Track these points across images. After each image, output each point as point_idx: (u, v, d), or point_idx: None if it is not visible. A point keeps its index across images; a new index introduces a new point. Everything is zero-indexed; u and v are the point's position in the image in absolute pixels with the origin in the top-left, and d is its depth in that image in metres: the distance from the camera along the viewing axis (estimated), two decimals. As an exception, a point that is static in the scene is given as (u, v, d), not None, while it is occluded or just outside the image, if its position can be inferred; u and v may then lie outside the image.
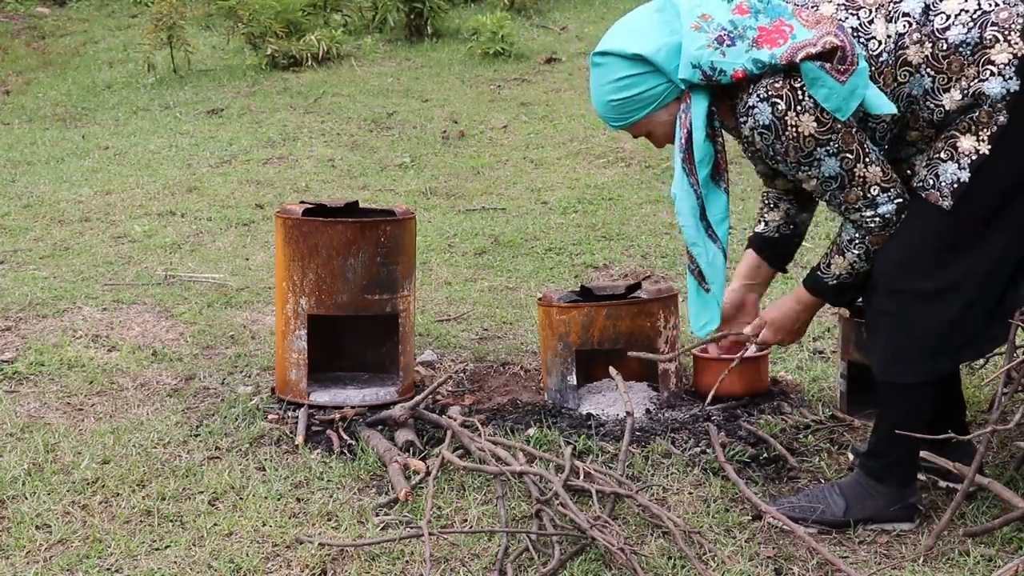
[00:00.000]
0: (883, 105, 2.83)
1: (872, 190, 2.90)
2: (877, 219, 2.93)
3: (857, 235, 2.96)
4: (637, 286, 3.98)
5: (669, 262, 5.51)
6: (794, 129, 2.83)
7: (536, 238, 6.02)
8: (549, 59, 10.41)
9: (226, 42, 11.40)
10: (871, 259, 2.99)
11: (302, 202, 4.01)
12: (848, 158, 2.87)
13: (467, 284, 5.37)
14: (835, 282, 3.05)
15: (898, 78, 2.87)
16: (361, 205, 4.05)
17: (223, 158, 7.91)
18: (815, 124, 2.82)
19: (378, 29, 11.55)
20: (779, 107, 2.82)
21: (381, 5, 11.41)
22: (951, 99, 2.84)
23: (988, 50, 2.80)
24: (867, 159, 2.88)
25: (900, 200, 2.92)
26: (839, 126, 2.83)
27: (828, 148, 2.85)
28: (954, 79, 2.84)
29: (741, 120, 2.89)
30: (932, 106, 2.87)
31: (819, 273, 3.08)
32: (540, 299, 4.03)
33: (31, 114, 9.85)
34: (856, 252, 2.98)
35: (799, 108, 2.81)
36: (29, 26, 13.10)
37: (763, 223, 3.32)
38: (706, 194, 3.00)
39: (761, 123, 2.85)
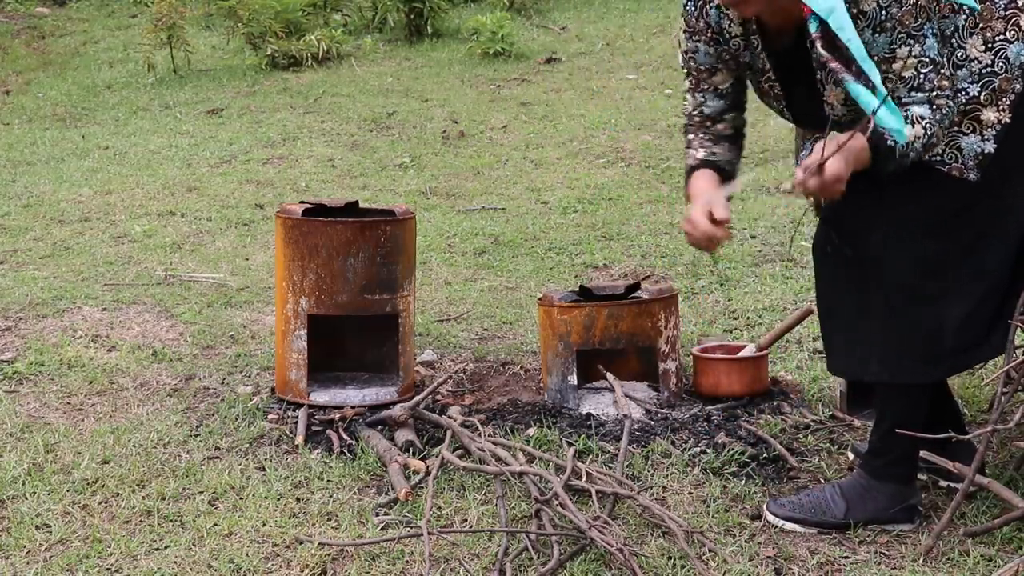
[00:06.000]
0: None
1: (954, 86, 2.84)
2: (950, 111, 2.82)
3: (931, 115, 2.81)
4: (637, 286, 3.98)
5: (669, 262, 5.51)
6: None
7: (536, 238, 6.02)
8: (549, 59, 10.42)
9: (226, 42, 11.41)
10: (923, 151, 2.84)
11: (302, 202, 4.01)
12: (944, 47, 2.83)
13: (467, 284, 5.37)
14: (893, 144, 2.80)
15: (945, 13, 2.86)
16: (361, 205, 4.05)
17: (223, 158, 7.91)
18: None
19: (378, 29, 11.56)
20: None
21: (381, 5, 11.42)
22: (973, 45, 2.86)
23: (1020, 13, 2.84)
24: (950, 65, 2.85)
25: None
26: (934, 15, 2.81)
27: (932, 28, 2.80)
28: (980, 26, 2.85)
29: None
30: (955, 43, 2.87)
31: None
32: (540, 299, 4.03)
33: (31, 114, 9.85)
34: (923, 130, 2.81)
35: None
36: (29, 26, 13.11)
37: (708, 154, 3.18)
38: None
39: None
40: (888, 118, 2.75)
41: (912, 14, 2.77)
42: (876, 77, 2.72)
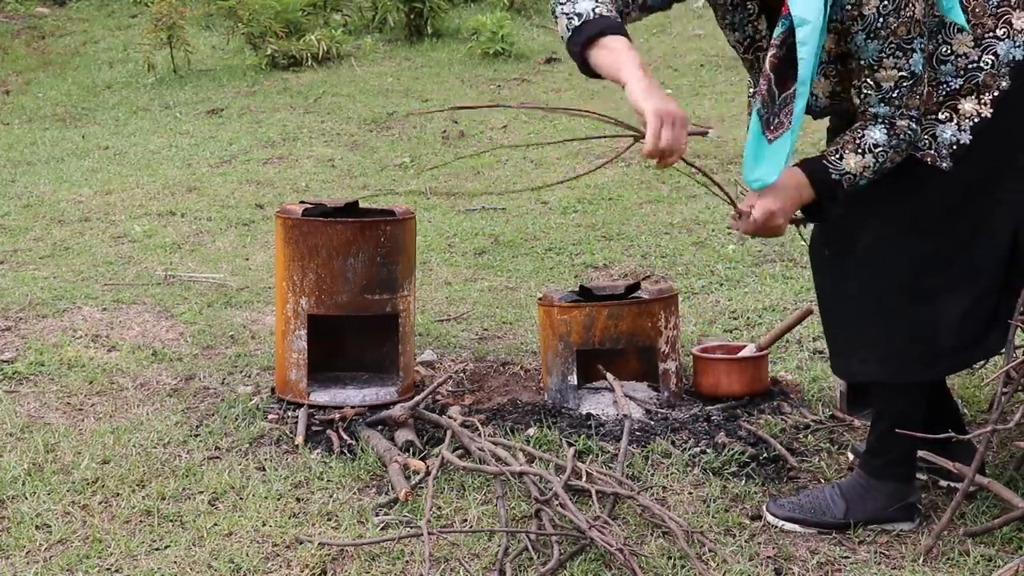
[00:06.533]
0: (960, 15, 2.79)
1: (921, 108, 2.84)
2: (910, 135, 2.83)
3: (887, 142, 2.82)
4: (637, 286, 3.98)
5: (669, 262, 5.51)
6: (912, 8, 2.74)
7: (536, 238, 6.02)
8: (549, 59, 10.42)
9: (226, 42, 11.41)
10: (877, 175, 2.85)
11: (302, 202, 4.01)
12: (925, 65, 2.82)
13: (467, 284, 5.37)
14: (838, 178, 2.83)
15: (935, 12, 2.85)
16: (361, 205, 4.05)
17: (223, 158, 7.91)
18: (922, 11, 2.76)
19: (378, 29, 11.56)
20: None
21: (381, 5, 11.42)
22: (961, 41, 2.84)
23: (1012, 11, 2.83)
24: (926, 80, 2.85)
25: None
26: (926, 31, 2.80)
27: (921, 43, 2.78)
28: (972, 22, 2.84)
29: None
30: (941, 39, 2.86)
31: (827, 162, 2.85)
32: (540, 299, 4.03)
33: (31, 114, 9.85)
34: (874, 159, 2.82)
35: None
36: (29, 26, 13.11)
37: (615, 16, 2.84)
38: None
39: None
40: (753, 167, 2.77)
41: (907, 26, 2.75)
42: (801, 106, 2.72)
